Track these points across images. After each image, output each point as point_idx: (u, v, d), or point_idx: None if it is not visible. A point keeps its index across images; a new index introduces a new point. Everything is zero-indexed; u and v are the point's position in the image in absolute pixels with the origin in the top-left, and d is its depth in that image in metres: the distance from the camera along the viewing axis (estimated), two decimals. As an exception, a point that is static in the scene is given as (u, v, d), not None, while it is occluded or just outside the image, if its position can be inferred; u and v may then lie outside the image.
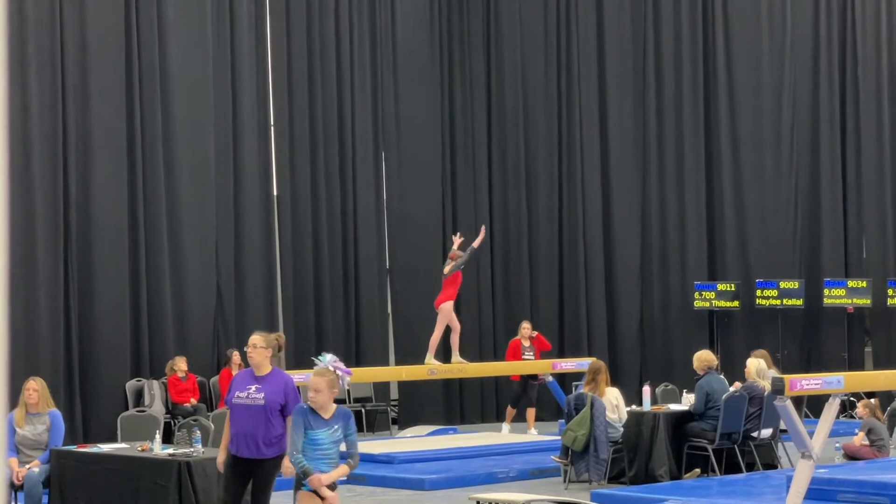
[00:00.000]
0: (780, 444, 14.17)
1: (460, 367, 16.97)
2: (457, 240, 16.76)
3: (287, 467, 8.74)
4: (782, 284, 20.64)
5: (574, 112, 22.19)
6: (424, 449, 15.67)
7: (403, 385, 20.44)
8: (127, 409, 16.04)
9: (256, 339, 8.94)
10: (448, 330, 16.60)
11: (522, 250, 21.99)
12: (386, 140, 21.01)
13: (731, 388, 13.74)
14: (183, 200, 18.56)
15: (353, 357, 20.03)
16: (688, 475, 13.32)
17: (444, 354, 21.07)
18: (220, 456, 9.01)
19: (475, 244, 16.69)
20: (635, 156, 22.19)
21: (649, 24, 22.13)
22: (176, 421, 16.92)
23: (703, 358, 13.97)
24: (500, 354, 21.11)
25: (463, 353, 20.91)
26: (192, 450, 10.35)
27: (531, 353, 17.94)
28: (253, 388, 8.80)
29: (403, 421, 20.36)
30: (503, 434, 17.89)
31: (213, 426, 11.94)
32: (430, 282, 21.07)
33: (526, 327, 18.33)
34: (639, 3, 22.14)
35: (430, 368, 17.17)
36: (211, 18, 18.94)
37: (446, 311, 16.37)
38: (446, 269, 16.43)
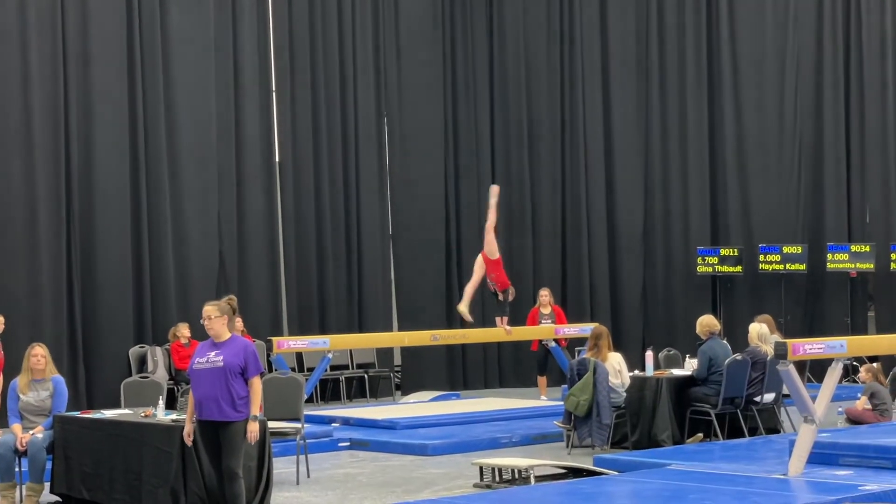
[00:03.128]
0: (782, 409, 14.19)
1: (463, 333, 16.97)
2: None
3: (252, 432, 8.89)
4: (785, 249, 20.62)
5: (577, 77, 22.13)
6: (427, 414, 15.70)
7: (406, 351, 20.47)
8: (130, 375, 16.06)
9: (210, 309, 9.18)
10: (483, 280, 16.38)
11: (525, 216, 21.97)
12: (388, 105, 20.96)
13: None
14: (185, 167, 18.54)
15: (356, 323, 20.05)
16: (690, 440, 13.34)
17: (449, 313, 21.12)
18: (186, 426, 9.27)
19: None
20: (638, 120, 22.15)
21: (652, -11, 22.05)
22: (179, 387, 16.98)
23: (706, 323, 13.97)
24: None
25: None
26: (195, 415, 10.35)
27: (549, 321, 17.93)
28: (213, 353, 9.08)
29: (406, 387, 20.39)
30: (506, 399, 17.91)
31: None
32: (433, 248, 21.11)
33: (545, 294, 18.30)
34: (642, -33, 22.06)
35: (433, 334, 17.18)
36: (212, -16, 18.86)
37: (481, 263, 16.23)
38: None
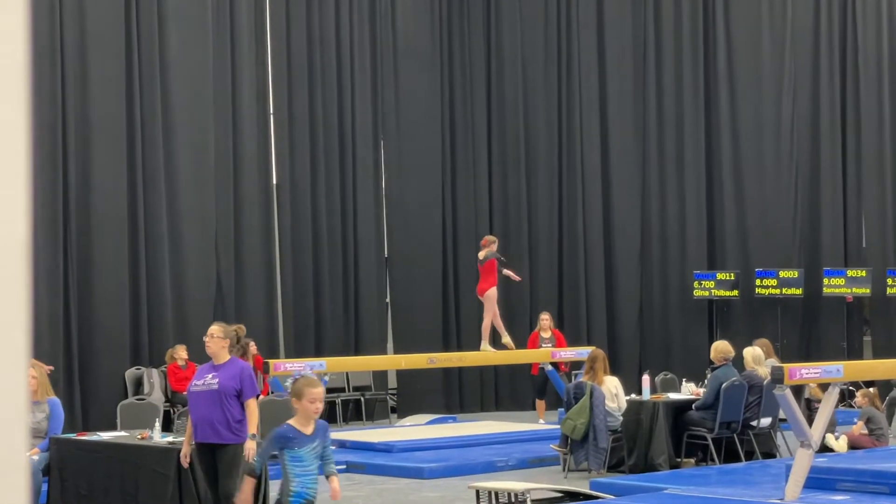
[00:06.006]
0: (779, 433, 14.18)
1: (459, 357, 16.99)
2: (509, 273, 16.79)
3: (249, 450, 8.91)
4: (782, 274, 20.63)
5: (574, 101, 22.18)
6: (423, 438, 15.67)
7: (402, 374, 20.45)
8: (126, 397, 16.05)
9: (214, 329, 9.26)
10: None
11: (522, 239, 21.99)
12: (385, 128, 21.00)
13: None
14: (183, 189, 18.56)
15: (352, 346, 20.04)
16: (684, 462, 13.33)
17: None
18: (184, 448, 9.29)
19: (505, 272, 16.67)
20: (635, 144, 22.19)
21: (649, 13, 22.11)
22: (175, 409, 16.93)
23: (722, 349, 13.89)
24: (499, 343, 21.09)
25: (463, 342, 20.98)
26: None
27: (550, 345, 17.93)
28: (209, 375, 9.11)
29: (402, 410, 20.37)
30: (502, 423, 17.88)
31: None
32: (429, 271, 21.11)
33: (545, 318, 18.31)
34: (639, -9, 22.14)
35: (430, 357, 17.17)
36: (211, 7, 18.92)
37: (492, 298, 16.35)
38: (481, 255, 16.40)
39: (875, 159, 20.55)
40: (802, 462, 10.37)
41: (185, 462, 9.27)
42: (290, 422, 7.30)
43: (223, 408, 8.95)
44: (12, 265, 1.72)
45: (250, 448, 8.99)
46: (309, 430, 7.26)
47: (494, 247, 16.33)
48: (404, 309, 20.95)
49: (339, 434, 16.38)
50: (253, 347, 16.29)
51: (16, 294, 1.72)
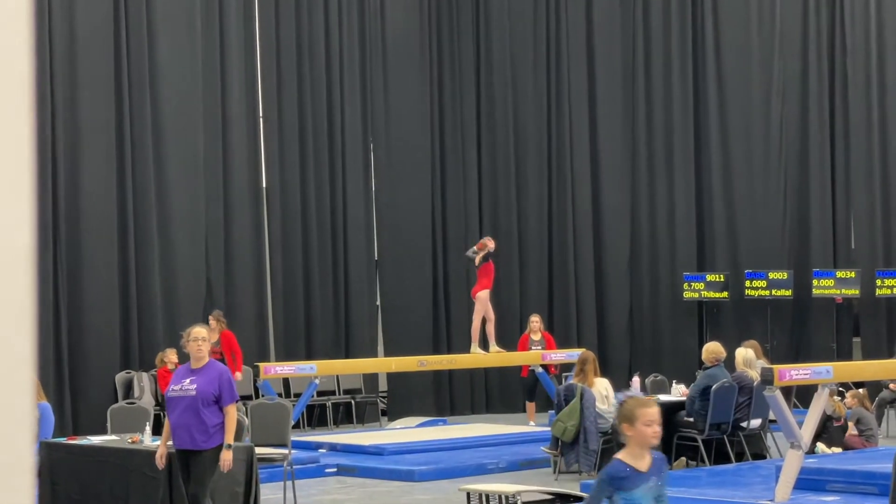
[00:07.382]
0: (769, 434, 14.22)
1: (450, 359, 17.01)
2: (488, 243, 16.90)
3: (224, 460, 8.81)
4: (771, 275, 20.68)
5: (563, 104, 22.20)
6: (414, 440, 15.68)
7: (393, 376, 20.45)
8: (116, 401, 16.03)
9: (204, 332, 9.10)
10: (484, 320, 16.74)
11: (512, 242, 21.99)
12: (375, 132, 21.01)
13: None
14: (172, 192, 18.55)
15: (343, 348, 20.04)
16: (675, 464, 13.35)
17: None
18: (160, 449, 9.22)
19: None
20: (625, 147, 22.22)
21: (638, 16, 22.14)
22: (165, 413, 16.92)
23: (713, 350, 13.93)
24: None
25: (453, 344, 21.00)
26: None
27: (539, 347, 17.95)
28: (187, 380, 9.00)
29: (393, 412, 20.37)
30: (493, 425, 17.90)
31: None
32: (419, 273, 21.11)
33: (535, 321, 18.33)
34: (628, -6, 22.18)
35: (420, 360, 17.19)
36: (200, 10, 18.91)
37: (483, 300, 16.40)
38: (477, 260, 16.45)
39: (864, 160, 20.61)
40: (792, 463, 10.41)
41: (160, 463, 9.19)
42: (620, 456, 5.80)
43: (200, 414, 8.84)
44: (17, 274, 1.73)
45: (226, 459, 8.89)
46: (644, 464, 5.71)
47: (491, 245, 16.40)
48: (394, 312, 20.95)
49: (329, 437, 16.38)
50: (216, 323, 16.21)
51: (20, 302, 1.73)
